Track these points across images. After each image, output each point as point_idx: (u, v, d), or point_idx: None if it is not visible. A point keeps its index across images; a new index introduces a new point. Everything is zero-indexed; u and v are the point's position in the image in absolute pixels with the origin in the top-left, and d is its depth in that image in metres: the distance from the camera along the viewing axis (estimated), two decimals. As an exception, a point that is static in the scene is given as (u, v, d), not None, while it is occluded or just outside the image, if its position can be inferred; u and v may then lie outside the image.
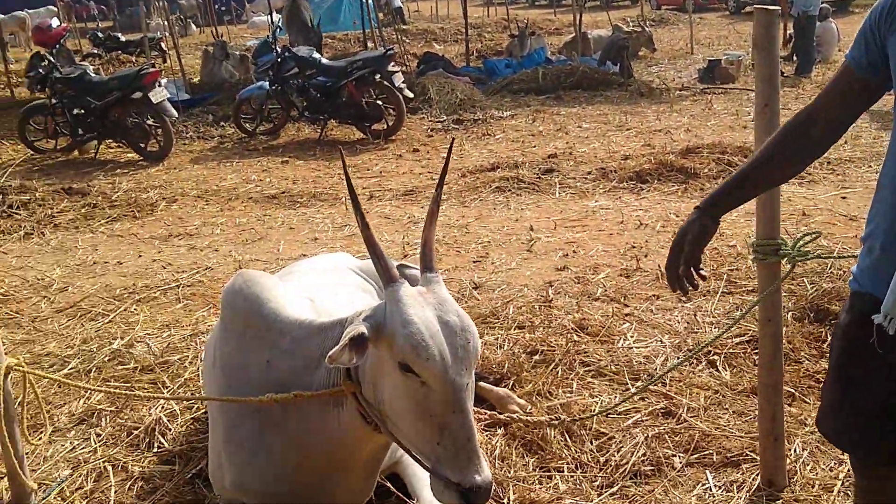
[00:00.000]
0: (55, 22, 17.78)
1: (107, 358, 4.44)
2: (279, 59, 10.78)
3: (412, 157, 9.68)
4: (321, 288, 3.26)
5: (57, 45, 15.54)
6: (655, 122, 10.81)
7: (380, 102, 10.61)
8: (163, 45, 20.23)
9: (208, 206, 7.95)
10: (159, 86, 9.94)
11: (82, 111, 10.17)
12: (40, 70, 10.51)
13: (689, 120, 10.83)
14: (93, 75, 10.46)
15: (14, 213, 7.52)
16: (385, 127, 10.71)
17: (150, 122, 10.11)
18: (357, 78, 10.39)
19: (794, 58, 14.56)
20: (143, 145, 10.18)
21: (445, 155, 2.51)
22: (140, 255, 6.48)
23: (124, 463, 3.45)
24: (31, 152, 10.83)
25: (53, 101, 10.36)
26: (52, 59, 10.53)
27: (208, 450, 2.99)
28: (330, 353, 2.20)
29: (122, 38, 21.92)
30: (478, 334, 2.30)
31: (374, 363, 2.35)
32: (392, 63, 10.73)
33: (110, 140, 10.60)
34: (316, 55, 10.97)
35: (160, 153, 10.12)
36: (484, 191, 7.71)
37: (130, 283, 5.78)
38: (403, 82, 10.93)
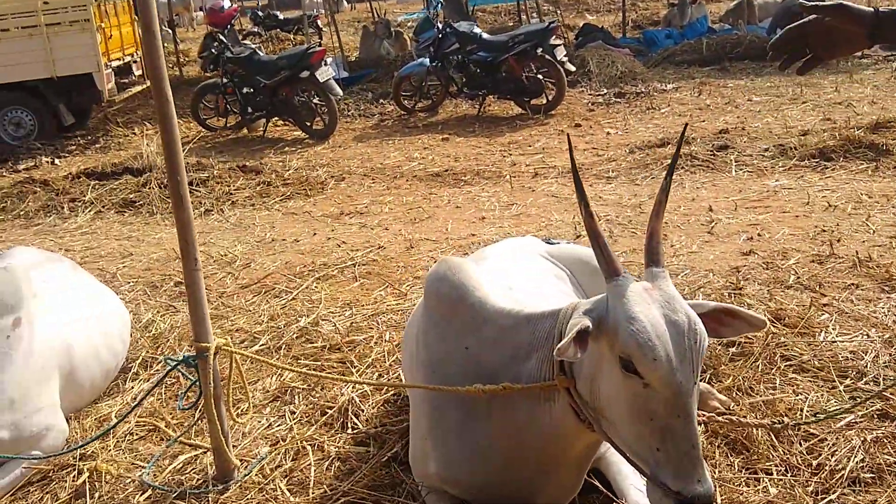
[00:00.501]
0: (227, 3, 18.48)
1: (295, 335, 4.55)
2: (440, 35, 10.80)
3: (575, 133, 9.48)
4: (517, 274, 3.19)
5: (228, 26, 16.15)
6: (834, 95, 10.15)
7: (540, 77, 10.44)
8: (319, 22, 20.68)
9: (375, 185, 8.05)
10: (325, 65, 10.15)
11: (252, 90, 10.52)
12: (213, 50, 10.94)
13: (872, 91, 10.11)
14: (262, 55, 10.80)
15: (194, 190, 7.84)
16: (545, 101, 10.55)
17: (316, 100, 10.34)
18: (518, 52, 10.27)
19: None
20: (309, 123, 10.44)
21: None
22: (315, 233, 6.63)
23: (320, 442, 3.51)
24: (203, 130, 11.33)
25: (224, 80, 10.77)
26: (224, 40, 10.91)
27: (410, 435, 2.99)
28: (559, 346, 2.13)
29: (281, 16, 22.59)
30: (706, 334, 2.17)
31: (592, 359, 2.26)
32: (554, 36, 10.53)
33: (277, 118, 10.93)
34: (477, 30, 10.91)
35: (325, 131, 10.35)
36: (655, 168, 7.44)
37: (308, 260, 5.92)
38: (565, 55, 10.71)
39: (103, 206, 7.72)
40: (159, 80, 3.01)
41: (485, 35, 10.87)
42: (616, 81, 12.01)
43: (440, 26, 11.01)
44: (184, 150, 8.71)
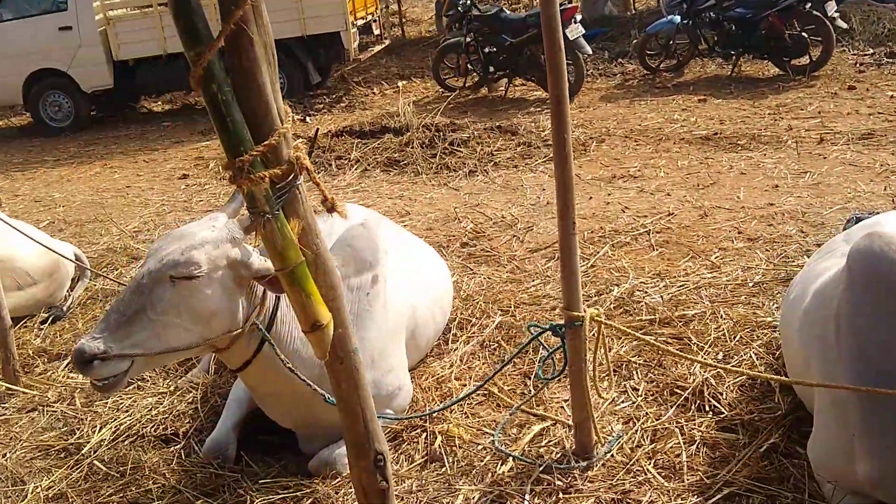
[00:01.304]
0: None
1: (612, 305, 4.34)
2: (695, -10, 10.21)
3: (850, 96, 8.67)
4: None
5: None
6: None
7: (805, 35, 9.63)
8: (536, -19, 20.28)
9: (640, 147, 7.68)
10: (575, 22, 9.78)
11: (494, 49, 10.34)
12: (459, 8, 10.83)
13: None
14: (508, 13, 10.59)
15: (455, 151, 7.79)
16: (808, 61, 9.73)
17: (558, 59, 10.01)
18: (783, 8, 9.50)
19: None
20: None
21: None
22: (590, 198, 6.37)
23: (679, 424, 3.27)
24: (442, 90, 11.30)
25: (468, 39, 10.61)
26: (471, -1, 10.77)
27: (821, 427, 2.68)
28: None
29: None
30: None
31: None
32: (825, -10, 9.66)
33: (517, 78, 10.71)
34: (741, -18, 10.19)
35: (570, 90, 10.01)
36: (968, 136, 6.66)
37: (595, 225, 5.68)
38: (836, 11, 9.78)
39: (368, 165, 7.81)
40: (553, 29, 2.82)
41: (752, -11, 10.14)
42: (883, 40, 10.94)
43: (697, -19, 10.38)
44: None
